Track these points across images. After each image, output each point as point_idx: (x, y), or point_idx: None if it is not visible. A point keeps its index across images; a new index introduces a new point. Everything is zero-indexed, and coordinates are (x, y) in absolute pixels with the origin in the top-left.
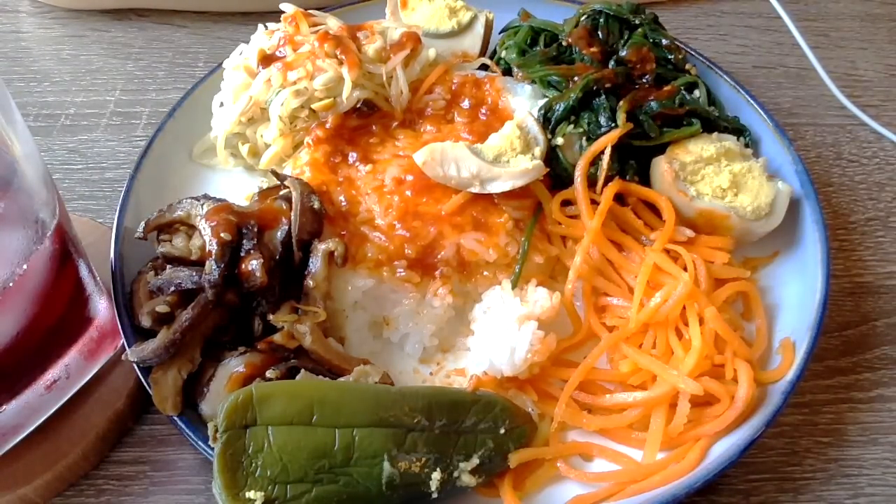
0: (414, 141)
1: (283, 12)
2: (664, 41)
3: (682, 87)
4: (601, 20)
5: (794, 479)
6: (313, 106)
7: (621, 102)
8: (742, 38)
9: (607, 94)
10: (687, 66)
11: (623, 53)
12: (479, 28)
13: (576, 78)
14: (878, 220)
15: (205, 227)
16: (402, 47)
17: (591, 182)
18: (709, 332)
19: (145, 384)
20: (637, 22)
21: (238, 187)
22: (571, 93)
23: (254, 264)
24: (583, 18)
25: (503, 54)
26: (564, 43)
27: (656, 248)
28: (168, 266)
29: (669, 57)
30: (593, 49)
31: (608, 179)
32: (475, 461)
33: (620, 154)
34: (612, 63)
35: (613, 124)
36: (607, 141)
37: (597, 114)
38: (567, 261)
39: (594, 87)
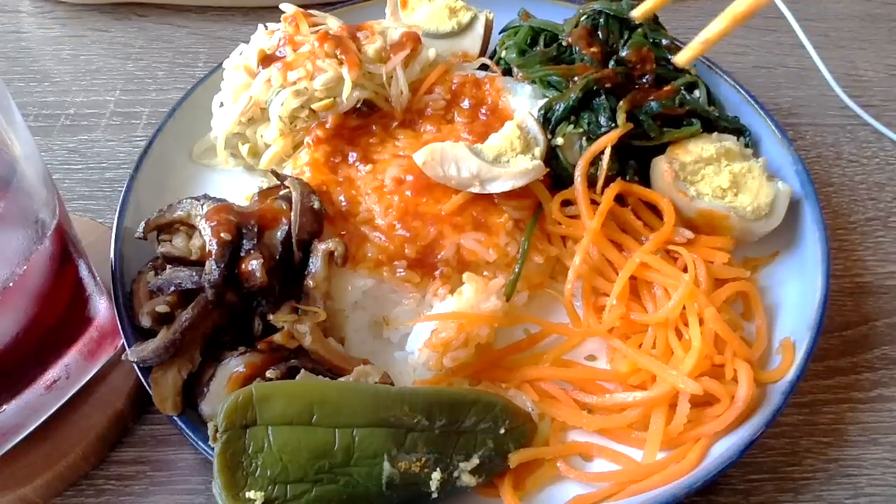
0: (414, 141)
1: (283, 11)
2: (664, 41)
3: (682, 87)
4: (601, 20)
5: (794, 479)
6: (313, 106)
7: (621, 102)
8: (742, 38)
9: (607, 94)
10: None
11: (623, 53)
12: (479, 28)
13: (576, 78)
14: (878, 220)
15: (205, 227)
16: (402, 47)
17: (591, 182)
18: (709, 333)
19: (145, 384)
20: (637, 22)
21: (238, 187)
22: (571, 93)
23: (254, 264)
24: (583, 18)
25: (503, 54)
26: (564, 43)
27: (647, 249)
28: (168, 266)
29: (669, 57)
30: (593, 49)
31: (608, 179)
32: (475, 461)
33: (620, 154)
34: (612, 63)
35: (613, 124)
36: (607, 141)
37: (597, 114)
38: (567, 261)
39: (594, 87)
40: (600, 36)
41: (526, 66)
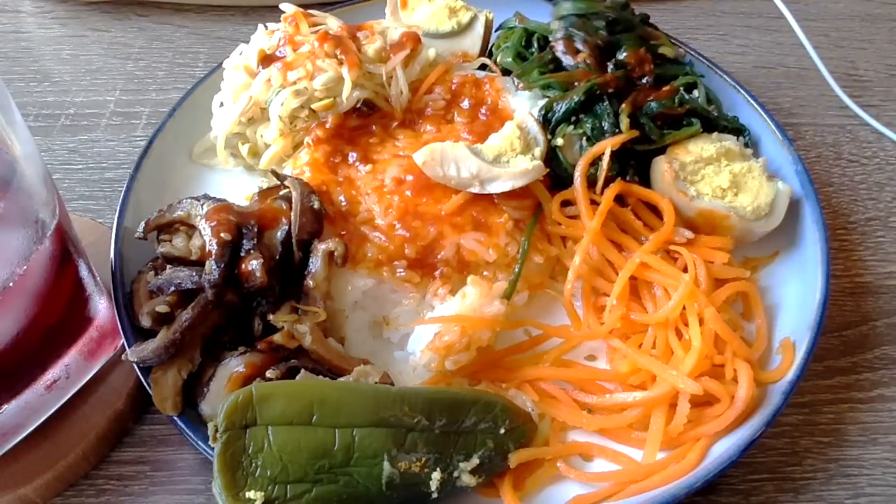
0: (414, 141)
1: (283, 11)
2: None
3: (682, 87)
4: (576, 32)
5: (794, 479)
6: (313, 106)
7: (623, 105)
8: (742, 38)
9: (609, 98)
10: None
11: (621, 56)
12: (479, 28)
13: (576, 84)
14: (878, 220)
15: (205, 227)
16: (402, 47)
17: (591, 182)
18: (709, 333)
19: (145, 384)
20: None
21: (238, 187)
22: (574, 94)
23: (254, 264)
24: (559, 31)
25: (498, 58)
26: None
27: (647, 249)
28: (168, 266)
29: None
30: (583, 55)
31: (608, 180)
32: (475, 461)
33: (621, 155)
34: (610, 67)
35: (617, 130)
36: (609, 144)
37: (600, 119)
38: (567, 261)
39: (597, 92)
40: (580, 47)
41: (525, 74)
